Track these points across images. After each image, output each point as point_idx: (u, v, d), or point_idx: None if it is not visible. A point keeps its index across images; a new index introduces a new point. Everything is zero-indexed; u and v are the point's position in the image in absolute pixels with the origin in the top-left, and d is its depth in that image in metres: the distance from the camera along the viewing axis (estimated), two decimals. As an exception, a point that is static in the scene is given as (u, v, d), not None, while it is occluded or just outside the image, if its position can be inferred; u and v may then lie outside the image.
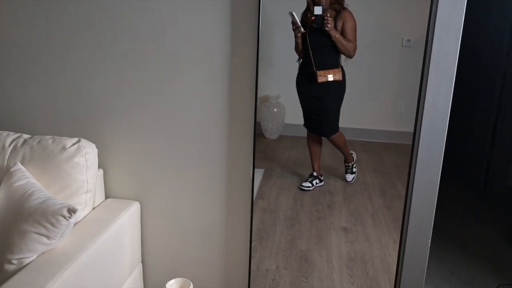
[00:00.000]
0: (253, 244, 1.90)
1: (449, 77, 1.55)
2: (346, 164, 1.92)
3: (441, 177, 1.65)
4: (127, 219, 1.75)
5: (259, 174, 1.94)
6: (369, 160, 1.96)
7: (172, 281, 1.72)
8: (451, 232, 2.98)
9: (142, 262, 1.97)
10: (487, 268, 2.54)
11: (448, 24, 1.51)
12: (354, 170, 1.93)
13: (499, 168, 3.52)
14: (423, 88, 1.58)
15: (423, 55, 1.56)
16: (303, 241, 1.94)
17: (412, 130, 1.64)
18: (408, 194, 1.69)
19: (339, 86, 1.76)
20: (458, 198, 3.63)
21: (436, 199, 1.67)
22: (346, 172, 1.93)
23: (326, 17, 1.66)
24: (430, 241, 1.72)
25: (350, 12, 1.66)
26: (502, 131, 3.45)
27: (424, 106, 1.59)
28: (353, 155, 1.91)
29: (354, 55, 1.70)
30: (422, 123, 1.60)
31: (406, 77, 1.72)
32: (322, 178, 1.94)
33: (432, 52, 1.53)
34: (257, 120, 1.77)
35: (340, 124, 1.86)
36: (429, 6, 1.51)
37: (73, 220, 1.44)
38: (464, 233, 2.99)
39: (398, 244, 1.76)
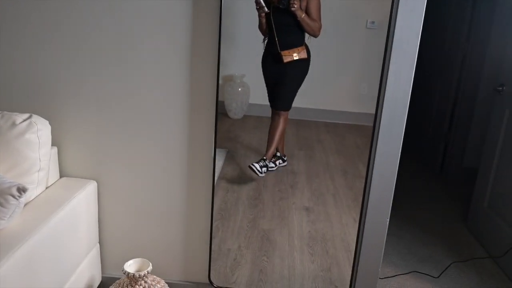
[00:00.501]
0: (214, 224, 1.88)
1: (410, 60, 1.57)
2: (274, 152, 1.92)
3: (400, 158, 1.68)
4: (83, 199, 1.69)
5: (222, 154, 1.92)
6: (332, 141, 1.97)
7: (130, 262, 1.69)
8: (409, 211, 3.07)
9: (100, 242, 1.92)
10: (443, 245, 2.65)
11: (411, 7, 1.52)
12: (278, 162, 1.93)
13: (455, 149, 3.64)
14: (385, 70, 1.59)
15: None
16: (265, 221, 1.95)
17: (373, 111, 1.65)
18: (368, 175, 1.72)
19: (304, 64, 1.76)
20: (416, 178, 3.74)
21: (395, 180, 1.71)
22: (270, 160, 1.93)
23: None
24: (388, 220, 1.76)
25: None
26: (460, 114, 3.57)
27: (386, 88, 1.60)
28: (277, 153, 1.92)
29: (319, 34, 1.70)
30: (384, 104, 1.62)
31: (369, 59, 1.73)
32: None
33: (395, 35, 1.54)
34: (221, 99, 1.74)
35: (304, 105, 1.86)
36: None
37: (23, 199, 1.37)
38: (421, 212, 3.09)
39: (357, 223, 1.79)
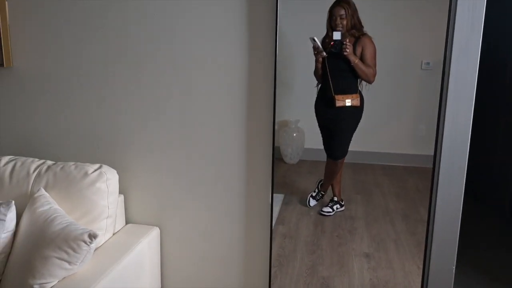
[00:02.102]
0: (273, 270, 1.87)
1: (468, 99, 1.53)
2: (331, 197, 1.91)
3: (464, 201, 1.61)
4: (147, 245, 1.76)
5: (278, 199, 1.93)
6: (390, 184, 1.93)
7: (191, 308, 1.70)
8: (477, 259, 2.88)
9: (162, 287, 1.96)
10: (518, 296, 2.44)
11: (465, 46, 1.50)
12: (336, 206, 1.90)
13: (526, 191, 3.41)
14: (442, 111, 1.56)
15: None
16: (324, 268, 1.90)
17: (432, 153, 1.61)
18: (430, 219, 1.65)
19: (356, 112, 1.76)
20: (482, 223, 3.52)
21: (459, 224, 1.63)
22: (326, 205, 1.91)
23: (344, 42, 1.67)
24: (454, 267, 1.66)
25: (369, 38, 1.67)
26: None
27: (444, 129, 1.56)
28: (334, 198, 1.91)
29: (373, 80, 1.71)
30: (443, 146, 1.58)
31: (426, 100, 1.71)
32: (343, 203, 1.92)
33: (450, 75, 1.52)
34: (277, 145, 1.77)
35: (360, 148, 1.85)
36: (446, 28, 1.51)
37: (93, 245, 1.45)
38: (490, 260, 2.88)
39: (421, 270, 1.71)
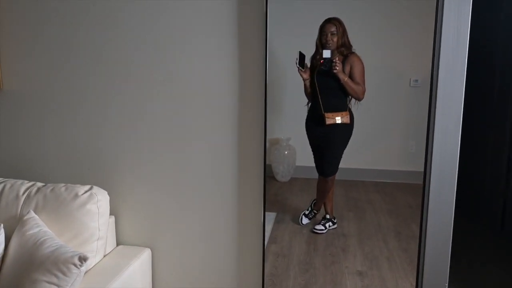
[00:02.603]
0: (266, 290, 1.85)
1: (456, 116, 1.55)
2: (324, 215, 1.91)
3: (455, 216, 1.62)
4: (138, 267, 1.73)
5: (271, 217, 1.92)
6: (382, 200, 1.94)
7: (183, 331, 1.68)
8: (470, 275, 2.87)
9: (153, 310, 1.93)
10: (512, 312, 2.43)
11: (452, 63, 1.52)
12: (328, 224, 1.90)
13: (517, 206, 3.43)
14: (430, 128, 1.58)
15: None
16: (317, 287, 1.89)
17: (423, 169, 1.62)
18: (421, 236, 1.65)
19: (346, 129, 1.77)
20: (474, 239, 3.52)
21: (451, 241, 1.63)
22: (319, 223, 1.92)
23: (334, 60, 1.69)
24: (447, 284, 1.66)
25: (358, 56, 1.70)
26: (518, 167, 3.40)
27: (433, 146, 1.58)
28: (326, 215, 1.92)
29: (363, 97, 1.73)
30: (432, 163, 1.59)
31: (415, 117, 1.73)
32: (335, 221, 1.92)
33: (438, 92, 1.54)
34: (268, 162, 1.77)
35: (352, 165, 1.86)
36: (432, 45, 1.53)
37: (84, 268, 1.43)
38: (483, 275, 2.88)
39: (415, 288, 1.70)
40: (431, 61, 1.54)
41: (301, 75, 1.75)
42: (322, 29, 1.70)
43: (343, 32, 1.69)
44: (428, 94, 1.57)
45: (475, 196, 4.05)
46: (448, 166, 1.58)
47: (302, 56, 1.71)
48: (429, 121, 1.58)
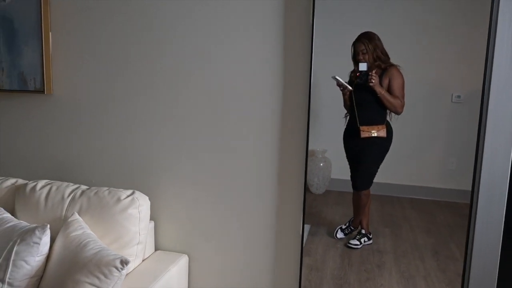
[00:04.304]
0: (300, 303, 1.84)
1: (507, 134, 1.51)
2: (359, 229, 1.88)
3: (503, 238, 1.57)
4: (176, 272, 1.76)
5: (305, 229, 1.92)
6: (419, 218, 1.90)
7: None
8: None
9: (187, 317, 1.95)
10: None
11: (505, 79, 1.48)
12: (363, 239, 1.87)
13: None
14: (480, 147, 1.54)
15: (478, 111, 1.53)
16: (351, 303, 1.87)
17: (464, 187, 1.59)
18: (467, 259, 1.61)
19: (382, 143, 1.75)
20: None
21: (498, 263, 1.58)
22: (354, 238, 1.88)
23: (370, 73, 1.68)
24: (491, 309, 1.61)
25: (397, 69, 1.68)
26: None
27: (482, 166, 1.53)
28: (362, 231, 1.88)
29: (401, 112, 1.70)
30: (481, 181, 1.55)
31: (456, 133, 1.69)
32: (370, 236, 1.89)
33: (489, 109, 1.50)
34: (304, 174, 1.77)
35: (388, 180, 1.83)
36: (484, 60, 1.50)
37: (125, 271, 1.46)
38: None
39: (455, 311, 1.66)
40: (478, 77, 1.50)
41: (346, 92, 1.75)
42: (354, 47, 1.70)
43: (374, 48, 1.67)
44: (471, 110, 1.53)
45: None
46: (497, 184, 1.54)
47: (337, 81, 1.72)
48: (478, 137, 1.54)
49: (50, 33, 1.94)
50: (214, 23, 1.74)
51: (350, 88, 1.72)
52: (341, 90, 1.74)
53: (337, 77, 1.71)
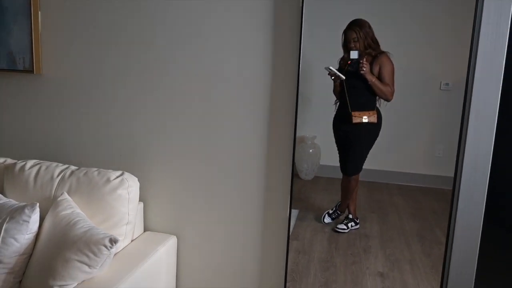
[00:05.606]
0: (287, 285, 1.87)
1: (490, 121, 1.53)
2: (346, 214, 1.91)
3: (484, 224, 1.60)
4: (164, 253, 1.78)
5: (293, 214, 1.93)
6: (406, 204, 1.93)
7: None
8: (495, 281, 2.83)
9: (175, 297, 1.97)
10: (534, 325, 2.38)
11: (489, 67, 1.49)
12: (351, 224, 1.90)
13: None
14: (463, 134, 1.56)
15: (462, 99, 1.55)
16: (337, 286, 1.90)
17: (450, 174, 1.61)
18: (448, 242, 1.64)
19: (373, 128, 1.77)
20: (503, 247, 3.46)
21: (478, 248, 1.61)
22: (341, 222, 1.92)
23: (361, 61, 1.69)
24: (472, 291, 1.65)
25: (387, 57, 1.69)
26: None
27: (465, 152, 1.56)
28: (349, 215, 1.91)
29: (391, 98, 1.72)
30: (463, 167, 1.57)
31: (444, 121, 1.71)
32: (357, 221, 1.92)
33: (473, 96, 1.52)
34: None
35: (376, 167, 1.85)
36: (469, 49, 1.51)
37: (113, 250, 1.47)
38: (509, 285, 2.83)
39: (437, 292, 1.69)
40: (467, 64, 1.51)
41: (337, 82, 1.76)
42: (345, 35, 1.71)
43: (365, 36, 1.68)
44: (459, 98, 1.54)
45: (507, 203, 3.96)
46: (479, 171, 1.56)
47: (329, 70, 1.73)
48: (462, 124, 1.56)
49: (39, 12, 1.92)
50: (205, 8, 1.73)
51: (343, 77, 1.73)
52: (332, 79, 1.75)
53: (331, 68, 1.72)
